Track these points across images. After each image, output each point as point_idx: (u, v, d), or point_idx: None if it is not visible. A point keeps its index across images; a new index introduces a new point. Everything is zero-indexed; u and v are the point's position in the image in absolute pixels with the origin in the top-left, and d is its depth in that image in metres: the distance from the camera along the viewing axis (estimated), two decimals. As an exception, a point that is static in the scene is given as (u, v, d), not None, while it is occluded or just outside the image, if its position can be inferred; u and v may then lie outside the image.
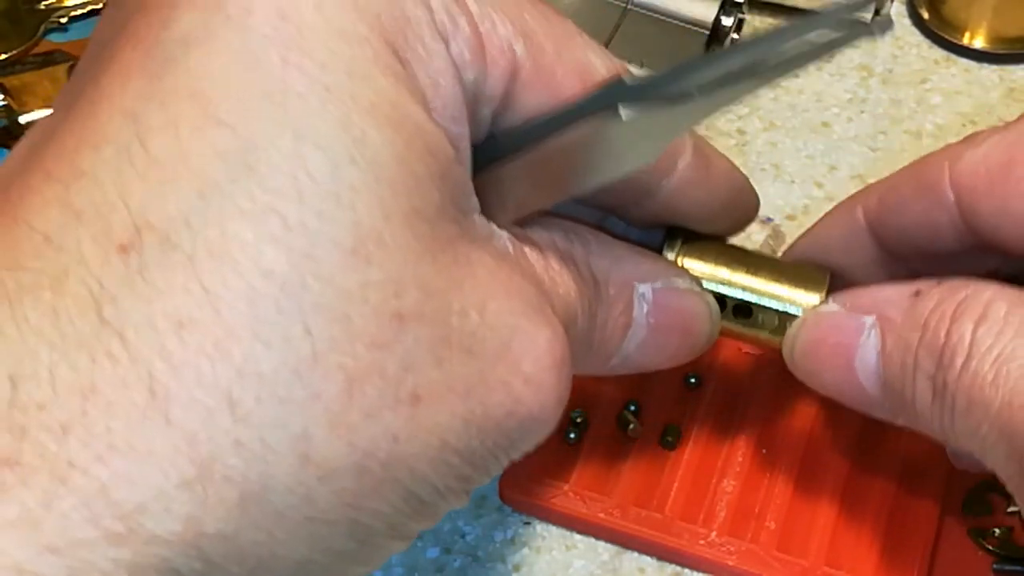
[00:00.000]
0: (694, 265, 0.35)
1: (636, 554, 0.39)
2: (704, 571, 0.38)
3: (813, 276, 0.35)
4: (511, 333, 0.26)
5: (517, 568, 0.39)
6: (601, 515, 0.39)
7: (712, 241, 0.36)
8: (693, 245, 0.35)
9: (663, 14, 0.51)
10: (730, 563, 0.38)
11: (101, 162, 0.23)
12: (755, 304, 0.35)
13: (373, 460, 0.24)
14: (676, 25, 0.50)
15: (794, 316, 0.35)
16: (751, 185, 0.36)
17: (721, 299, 0.35)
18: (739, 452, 0.40)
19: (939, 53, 0.52)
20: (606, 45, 0.50)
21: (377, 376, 0.23)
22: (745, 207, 0.36)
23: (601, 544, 0.39)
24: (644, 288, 0.32)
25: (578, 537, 0.39)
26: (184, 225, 0.22)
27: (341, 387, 0.23)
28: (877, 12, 0.52)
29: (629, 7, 0.51)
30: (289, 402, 0.22)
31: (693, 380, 0.41)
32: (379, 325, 0.24)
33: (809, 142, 0.50)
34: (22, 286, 0.22)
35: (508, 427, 0.26)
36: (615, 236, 0.33)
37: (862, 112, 0.51)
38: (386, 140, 0.24)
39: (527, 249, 0.29)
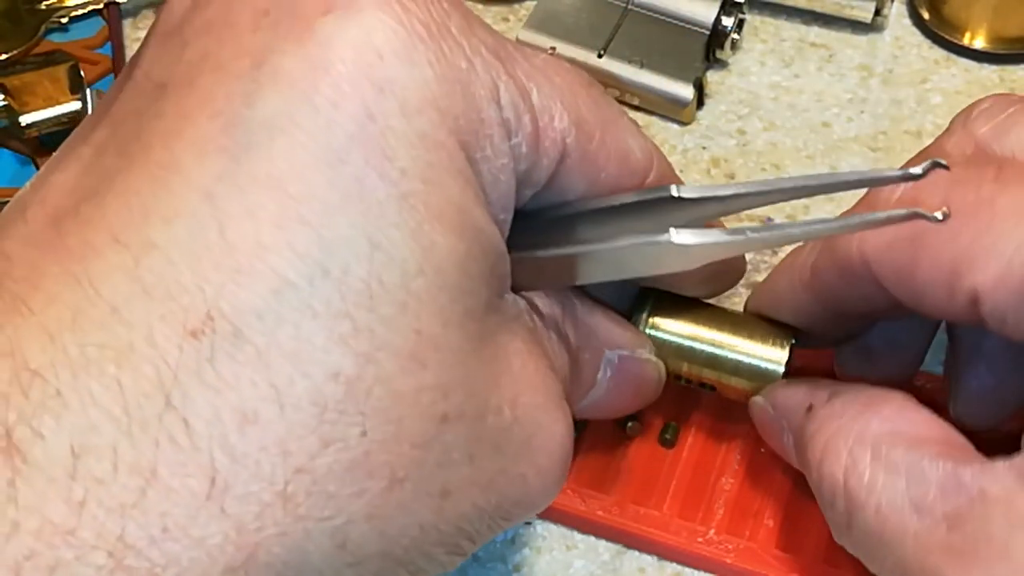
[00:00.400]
0: (665, 323, 0.38)
1: (636, 554, 0.39)
2: (703, 569, 0.38)
3: (778, 332, 0.37)
4: (535, 428, 0.28)
5: (517, 568, 0.39)
6: (600, 513, 0.39)
7: (682, 299, 0.38)
8: (663, 304, 0.38)
9: (663, 14, 0.51)
10: (728, 561, 0.38)
11: (174, 239, 0.23)
12: (723, 357, 0.37)
13: (397, 546, 0.25)
14: (676, 25, 0.50)
15: (762, 369, 0.37)
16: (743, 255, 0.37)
17: (691, 354, 0.37)
18: (737, 450, 0.40)
19: (939, 53, 0.52)
20: (606, 45, 0.50)
21: (416, 472, 0.24)
22: (735, 274, 0.38)
23: (602, 544, 0.39)
24: (612, 355, 0.34)
25: (578, 537, 0.39)
26: (257, 319, 0.23)
27: (385, 484, 0.24)
28: (878, 12, 0.52)
29: (629, 7, 0.51)
30: (336, 497, 0.23)
31: (685, 399, 0.41)
32: (425, 426, 0.24)
33: (809, 142, 0.50)
34: (87, 356, 0.22)
35: (513, 512, 0.28)
36: (591, 296, 0.35)
37: (862, 112, 0.51)
38: (451, 247, 0.25)
39: (538, 320, 0.30)
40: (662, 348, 0.38)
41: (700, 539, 0.38)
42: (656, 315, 0.38)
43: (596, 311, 0.34)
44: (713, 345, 0.37)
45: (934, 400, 0.40)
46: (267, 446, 0.22)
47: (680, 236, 0.28)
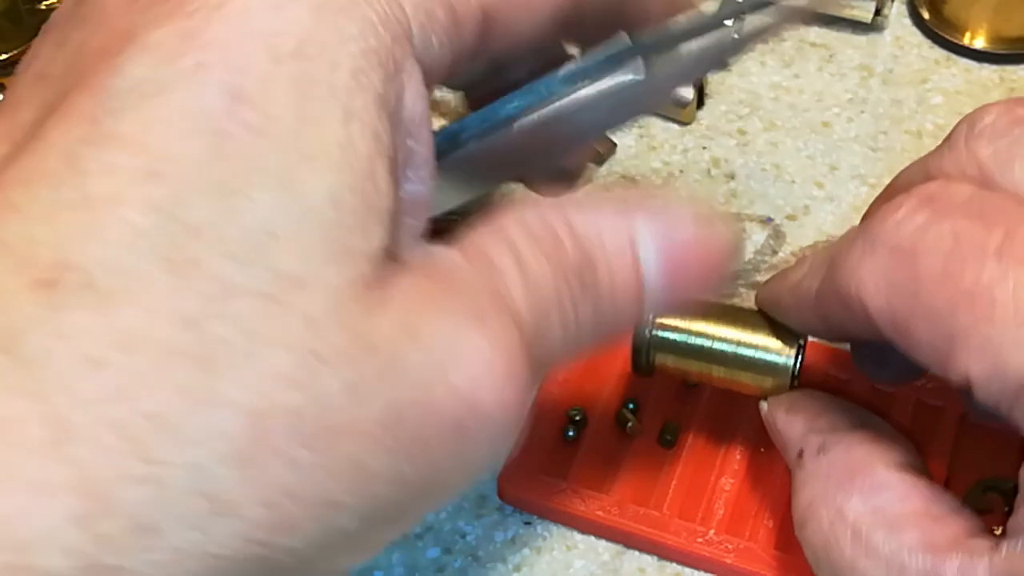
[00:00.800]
0: (675, 320, 0.37)
1: (636, 554, 0.39)
2: (702, 569, 0.38)
3: (788, 328, 0.37)
4: (445, 355, 0.26)
5: (518, 568, 0.39)
6: (599, 513, 0.39)
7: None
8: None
9: (663, 14, 0.51)
10: (728, 561, 0.38)
11: (33, 198, 0.23)
12: (733, 353, 0.37)
13: (282, 496, 0.23)
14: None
15: (773, 363, 0.37)
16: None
17: (702, 350, 0.37)
18: (737, 450, 0.40)
19: (940, 53, 0.52)
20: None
21: (286, 414, 0.23)
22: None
23: (602, 544, 0.39)
24: (643, 235, 0.28)
25: (579, 537, 0.39)
26: (107, 268, 0.23)
27: (244, 424, 0.23)
28: (878, 12, 0.52)
29: (629, 7, 0.51)
30: (190, 441, 0.22)
31: (692, 384, 0.41)
32: (291, 364, 0.23)
33: (810, 142, 0.50)
34: None
35: (451, 447, 0.26)
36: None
37: (863, 112, 0.51)
38: (324, 185, 0.24)
39: (475, 256, 0.28)
40: (671, 347, 0.38)
41: (700, 539, 0.38)
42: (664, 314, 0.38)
43: (603, 200, 0.29)
44: (723, 341, 0.37)
45: (937, 399, 0.40)
46: (114, 391, 0.22)
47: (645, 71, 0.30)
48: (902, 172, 0.37)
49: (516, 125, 0.31)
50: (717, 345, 0.37)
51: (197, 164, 0.23)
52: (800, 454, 0.35)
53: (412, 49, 0.26)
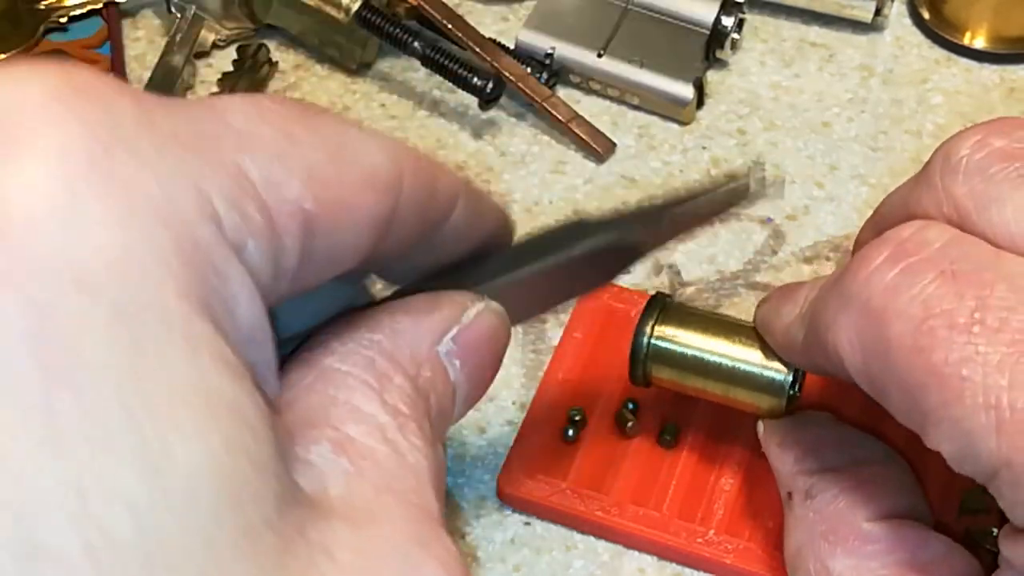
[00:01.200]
0: (674, 332, 0.37)
1: (636, 554, 0.39)
2: (702, 570, 0.38)
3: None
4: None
5: (517, 568, 0.39)
6: (599, 513, 0.39)
7: (689, 309, 0.38)
8: (671, 313, 0.38)
9: (663, 14, 0.51)
10: (728, 561, 0.38)
11: None
12: (731, 370, 0.37)
13: None
14: (676, 25, 0.50)
15: (770, 382, 0.37)
16: (509, 216, 0.33)
17: (700, 365, 0.37)
18: (737, 451, 0.40)
19: (940, 53, 0.52)
20: (606, 45, 0.50)
21: None
22: (506, 238, 0.33)
23: (601, 544, 0.39)
24: (444, 345, 0.28)
25: (578, 537, 0.39)
26: None
27: None
28: (878, 12, 0.52)
29: (629, 7, 0.51)
30: None
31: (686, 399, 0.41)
32: None
33: (810, 142, 0.50)
34: None
35: None
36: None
37: (863, 112, 0.50)
38: (196, 456, 0.19)
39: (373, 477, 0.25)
40: (668, 359, 0.37)
41: (700, 539, 0.38)
42: (664, 325, 0.38)
43: (399, 323, 0.28)
44: (721, 356, 0.37)
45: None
46: None
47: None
48: (884, 201, 0.36)
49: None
50: (715, 360, 0.37)
51: (34, 468, 0.18)
52: (790, 496, 0.35)
53: (231, 250, 0.22)
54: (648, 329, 0.38)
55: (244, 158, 0.23)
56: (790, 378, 0.37)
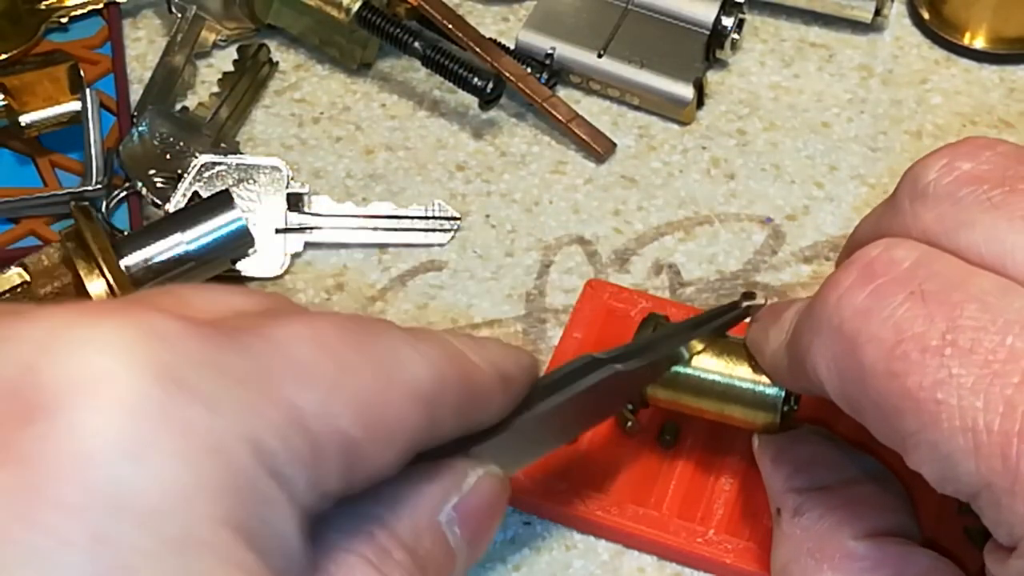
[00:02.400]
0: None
1: (636, 554, 0.39)
2: (702, 569, 0.38)
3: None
4: None
5: (517, 568, 0.39)
6: (599, 513, 0.39)
7: (682, 327, 0.38)
8: (668, 332, 0.38)
9: (663, 14, 0.51)
10: (728, 561, 0.38)
11: None
12: (724, 386, 0.37)
13: None
14: (676, 25, 0.50)
15: (763, 398, 0.37)
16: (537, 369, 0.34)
17: (694, 383, 0.37)
18: (736, 451, 0.40)
19: (939, 53, 0.52)
20: (606, 45, 0.50)
21: None
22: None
23: (601, 544, 0.39)
24: (444, 514, 0.29)
25: (578, 537, 0.39)
26: None
27: None
28: (878, 12, 0.52)
29: (629, 7, 0.51)
30: None
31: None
32: None
33: (809, 142, 0.50)
34: None
35: None
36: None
37: (862, 112, 0.51)
38: None
39: None
40: (665, 381, 0.37)
41: (700, 539, 0.38)
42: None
43: (402, 500, 0.29)
44: (715, 374, 0.37)
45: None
46: None
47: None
48: (857, 227, 0.36)
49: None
50: (709, 378, 0.37)
51: None
52: (779, 512, 0.36)
53: (275, 480, 0.24)
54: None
55: (299, 394, 0.25)
56: (783, 394, 0.37)
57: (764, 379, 0.37)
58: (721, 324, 0.38)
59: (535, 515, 0.40)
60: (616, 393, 0.36)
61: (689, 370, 0.37)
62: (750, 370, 0.37)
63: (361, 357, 0.26)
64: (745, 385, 0.37)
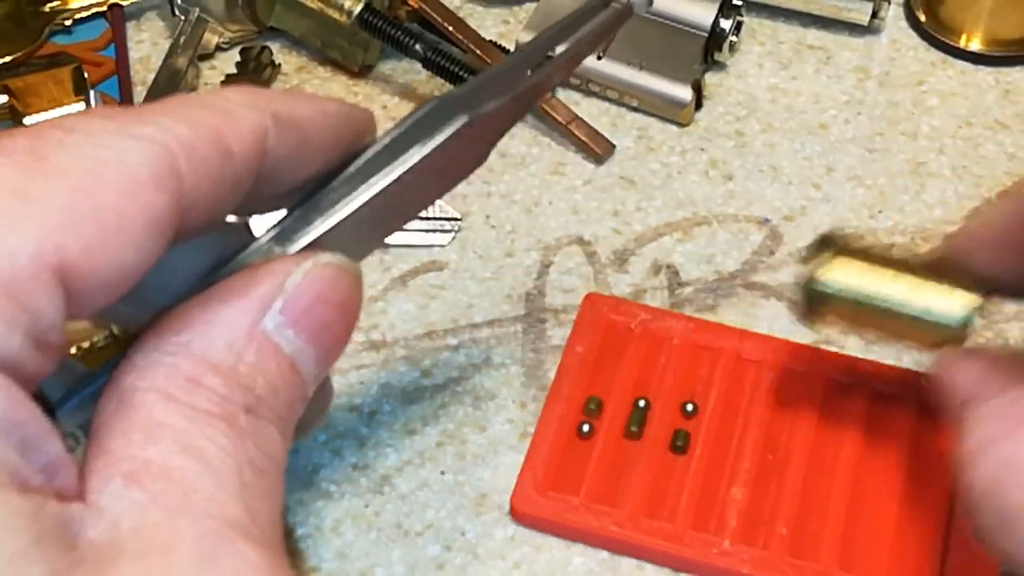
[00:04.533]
0: (845, 276, 0.37)
1: (636, 552, 0.39)
2: (716, 580, 0.38)
3: (966, 283, 0.36)
4: None
5: (517, 566, 0.39)
6: (613, 528, 0.38)
7: (862, 248, 0.37)
8: (843, 252, 0.37)
9: (662, 16, 0.51)
10: (744, 571, 0.37)
11: None
12: (906, 306, 0.36)
13: None
14: (675, 27, 0.51)
15: (948, 318, 0.36)
16: (348, 107, 0.32)
17: (873, 301, 0.36)
18: (745, 459, 0.39)
19: (935, 55, 0.53)
20: (605, 47, 0.50)
21: None
22: (363, 131, 0.32)
23: (601, 542, 0.39)
24: (270, 319, 0.27)
25: (578, 535, 0.39)
26: None
27: None
28: (875, 14, 0.52)
29: (628, 9, 0.51)
30: None
31: (690, 408, 0.41)
32: None
33: (806, 144, 0.50)
34: None
35: None
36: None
37: (859, 114, 0.51)
38: None
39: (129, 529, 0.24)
40: (843, 297, 0.37)
41: (715, 550, 0.38)
42: (837, 261, 0.37)
43: (207, 325, 0.27)
44: (896, 293, 0.36)
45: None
46: None
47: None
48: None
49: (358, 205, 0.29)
50: (891, 296, 0.36)
51: None
52: (967, 401, 0.34)
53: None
54: (822, 269, 0.37)
55: None
56: (971, 313, 0.36)
57: (953, 295, 0.36)
58: (591, 32, 0.34)
59: (550, 534, 0.39)
60: (479, 141, 0.32)
61: (867, 288, 0.37)
62: (938, 289, 0.36)
63: (49, 182, 0.24)
64: (931, 305, 0.36)
